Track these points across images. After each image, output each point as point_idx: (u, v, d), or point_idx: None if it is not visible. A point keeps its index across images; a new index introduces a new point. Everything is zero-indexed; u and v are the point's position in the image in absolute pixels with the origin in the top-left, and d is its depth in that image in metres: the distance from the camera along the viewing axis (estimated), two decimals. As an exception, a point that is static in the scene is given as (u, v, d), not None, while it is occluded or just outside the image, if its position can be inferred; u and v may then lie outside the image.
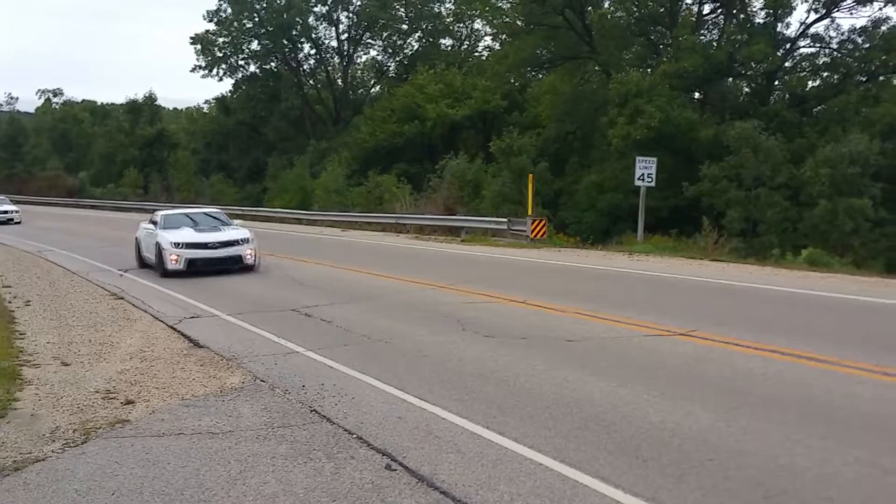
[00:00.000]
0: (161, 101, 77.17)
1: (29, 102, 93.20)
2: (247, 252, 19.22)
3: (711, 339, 10.26)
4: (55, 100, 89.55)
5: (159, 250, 18.61)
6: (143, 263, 20.45)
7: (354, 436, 7.00)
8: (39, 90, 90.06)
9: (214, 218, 21.10)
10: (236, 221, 21.31)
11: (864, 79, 37.35)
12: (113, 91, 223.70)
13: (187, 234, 19.05)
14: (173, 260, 18.35)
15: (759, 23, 38.91)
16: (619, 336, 10.80)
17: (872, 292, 14.22)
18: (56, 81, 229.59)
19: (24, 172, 75.15)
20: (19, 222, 43.74)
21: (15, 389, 8.84)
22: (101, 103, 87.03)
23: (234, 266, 19.00)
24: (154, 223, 20.05)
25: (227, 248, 18.97)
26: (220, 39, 64.28)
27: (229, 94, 67.95)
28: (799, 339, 10.08)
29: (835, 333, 10.70)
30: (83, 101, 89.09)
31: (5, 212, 44.74)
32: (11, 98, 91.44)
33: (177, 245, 18.49)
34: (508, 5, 45.05)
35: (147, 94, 73.75)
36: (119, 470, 6.39)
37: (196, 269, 18.51)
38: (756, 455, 6.19)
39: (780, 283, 15.72)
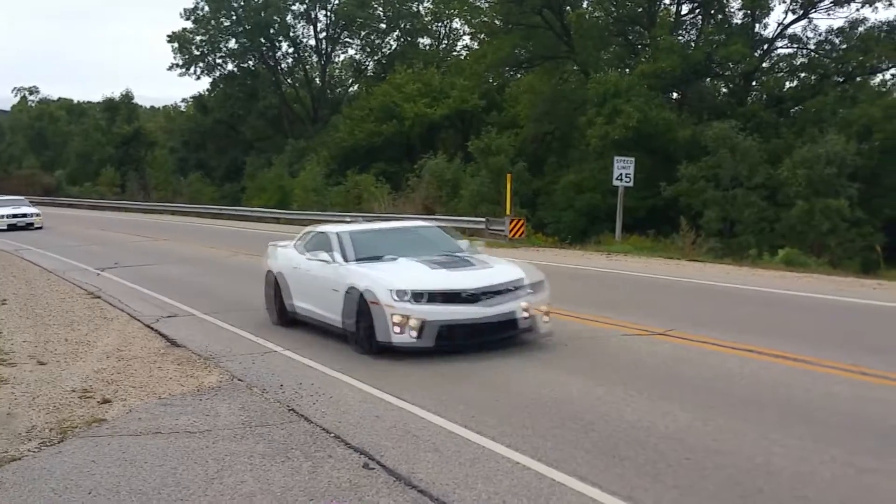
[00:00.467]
0: (138, 100, 76.93)
1: (4, 100, 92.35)
2: (528, 309, 9.97)
3: (689, 339, 10.33)
4: (31, 98, 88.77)
5: (360, 304, 10.05)
6: (286, 315, 12.21)
7: (332, 435, 7.00)
8: (15, 88, 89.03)
9: (434, 239, 12.26)
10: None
11: (842, 79, 37.56)
12: (89, 89, 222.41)
13: (425, 275, 10.18)
14: (401, 324, 9.61)
15: (736, 23, 39.14)
16: (596, 335, 10.85)
17: (849, 292, 14.37)
18: (32, 79, 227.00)
19: (-1, 171, 74.61)
20: (40, 227, 37.22)
21: (-10, 389, 8.79)
22: (78, 101, 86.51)
23: (504, 335, 10.21)
24: (318, 245, 11.69)
25: (500, 302, 9.95)
26: (198, 38, 63.92)
27: (207, 93, 67.61)
28: (776, 338, 10.16)
29: (812, 333, 10.80)
30: (59, 99, 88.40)
31: (24, 215, 38.26)
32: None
33: (410, 296, 9.70)
34: (487, 5, 45.15)
35: (124, 93, 73.42)
36: (96, 469, 6.36)
37: (450, 343, 9.83)
38: (733, 454, 6.23)
39: (757, 283, 15.85)
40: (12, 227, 36.13)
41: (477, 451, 6.46)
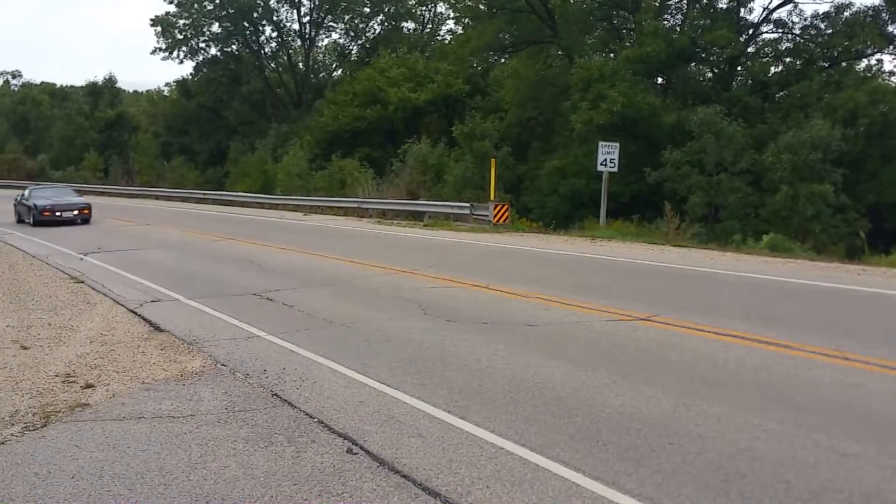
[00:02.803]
0: (121, 84, 76.84)
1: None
2: None
3: (672, 325, 10.39)
4: (14, 81, 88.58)
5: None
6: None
7: (315, 420, 7.01)
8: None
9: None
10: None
11: (827, 65, 37.63)
12: (72, 73, 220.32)
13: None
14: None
15: (721, 8, 39.16)
16: (580, 321, 10.88)
17: (833, 278, 14.47)
18: (14, 63, 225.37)
19: (-19, 156, 74.07)
20: (87, 221, 30.79)
21: (-29, 375, 8.75)
22: (61, 85, 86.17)
23: None
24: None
25: None
26: (181, 21, 63.60)
27: (190, 77, 67.37)
28: (759, 324, 10.24)
29: (795, 318, 10.87)
30: (42, 83, 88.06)
31: (72, 206, 31.06)
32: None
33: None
34: (472, -11, 45.00)
35: (107, 77, 73.21)
36: (79, 453, 6.35)
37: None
38: (716, 439, 6.28)
39: (741, 268, 15.94)
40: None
41: (460, 437, 6.49)
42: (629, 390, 7.63)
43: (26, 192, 33.03)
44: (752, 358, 8.67)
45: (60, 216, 30.18)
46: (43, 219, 29.81)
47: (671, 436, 6.36)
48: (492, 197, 27.99)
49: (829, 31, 37.18)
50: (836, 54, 37.41)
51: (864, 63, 37.68)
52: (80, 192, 37.60)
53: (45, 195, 32.28)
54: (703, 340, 9.53)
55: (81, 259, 19.23)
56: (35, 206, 30.35)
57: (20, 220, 31.87)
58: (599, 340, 9.77)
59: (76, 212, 30.74)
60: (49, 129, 77.00)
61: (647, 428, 6.57)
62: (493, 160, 29.60)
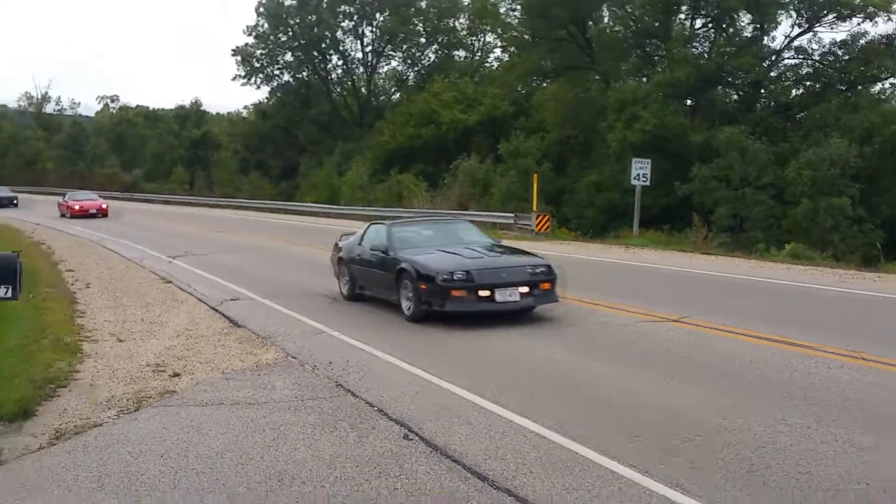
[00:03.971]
0: (206, 107, 77.77)
1: (89, 108, 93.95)
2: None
3: (701, 326, 10.23)
4: (112, 105, 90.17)
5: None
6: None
7: (375, 408, 7.01)
8: (99, 96, 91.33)
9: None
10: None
11: (844, 88, 36.98)
12: (163, 98, 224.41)
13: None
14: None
15: (746, 36, 38.57)
16: (616, 322, 10.77)
17: (851, 284, 14.16)
18: (113, 89, 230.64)
19: (84, 170, 75.69)
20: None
21: (76, 362, 8.93)
22: (153, 108, 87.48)
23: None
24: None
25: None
26: (258, 52, 64.40)
27: (266, 101, 68.08)
28: (782, 326, 10.03)
29: (816, 321, 10.66)
30: (137, 106, 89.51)
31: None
32: (74, 103, 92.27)
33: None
34: (517, 20, 44.82)
35: (193, 101, 74.42)
36: (167, 435, 6.44)
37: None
38: (741, 432, 6.15)
39: (765, 274, 15.66)
40: None
41: (506, 426, 6.44)
42: (662, 386, 7.52)
43: None
44: (775, 357, 8.49)
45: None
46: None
47: (700, 429, 6.24)
48: (534, 208, 27.86)
49: (847, 57, 36.50)
50: (852, 78, 36.70)
51: (878, 86, 37.00)
52: (170, 203, 40.67)
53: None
54: (729, 341, 9.36)
55: (170, 262, 19.48)
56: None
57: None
58: (633, 340, 9.66)
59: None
60: (142, 147, 78.31)
61: (679, 421, 6.46)
62: (535, 175, 29.48)
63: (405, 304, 10.98)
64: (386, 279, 11.44)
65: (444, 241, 11.92)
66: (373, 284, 12.18)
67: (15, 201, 50.74)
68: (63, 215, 39.40)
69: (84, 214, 38.45)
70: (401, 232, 12.26)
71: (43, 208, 44.98)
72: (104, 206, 40.45)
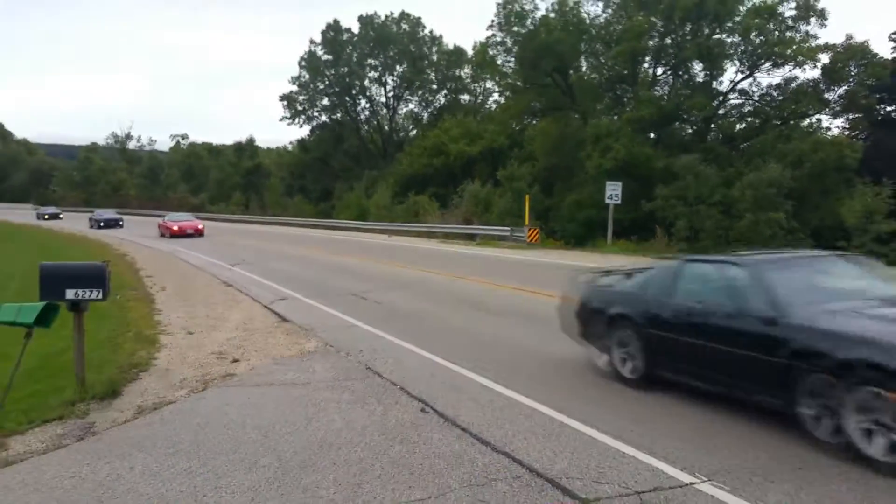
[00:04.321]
0: (258, 142, 77.82)
1: (164, 144, 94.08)
2: None
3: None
4: (183, 141, 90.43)
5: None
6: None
7: (398, 387, 7.03)
8: (172, 134, 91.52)
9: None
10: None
11: (779, 123, 36.85)
12: (224, 135, 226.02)
13: None
14: None
15: (699, 81, 38.55)
16: (593, 314, 10.73)
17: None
18: (183, 128, 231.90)
19: (160, 195, 76.14)
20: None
21: (154, 351, 8.98)
22: (216, 144, 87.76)
23: None
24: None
25: None
26: (301, 97, 64.62)
27: (307, 137, 68.21)
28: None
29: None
30: (203, 142, 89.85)
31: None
32: (151, 140, 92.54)
33: None
34: (511, 70, 44.81)
35: (248, 138, 74.60)
36: (228, 409, 6.47)
37: None
38: (725, 411, 6.13)
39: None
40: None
41: (505, 400, 6.45)
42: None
43: None
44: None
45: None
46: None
47: (667, 405, 6.22)
48: (526, 223, 27.85)
49: (781, 97, 36.46)
50: (785, 115, 36.60)
51: (807, 121, 36.89)
52: (230, 221, 39.95)
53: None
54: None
55: (230, 269, 19.56)
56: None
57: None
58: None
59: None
60: (207, 176, 78.62)
61: (646, 395, 6.45)
62: (527, 196, 29.48)
63: (826, 426, 5.00)
64: (762, 369, 5.43)
65: (844, 292, 5.90)
66: (711, 368, 5.96)
67: (121, 223, 47.46)
68: (163, 235, 35.60)
69: (182, 234, 34.73)
70: (784, 278, 5.89)
71: (126, 227, 45.11)
72: (200, 226, 36.58)
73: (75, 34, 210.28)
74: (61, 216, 60.00)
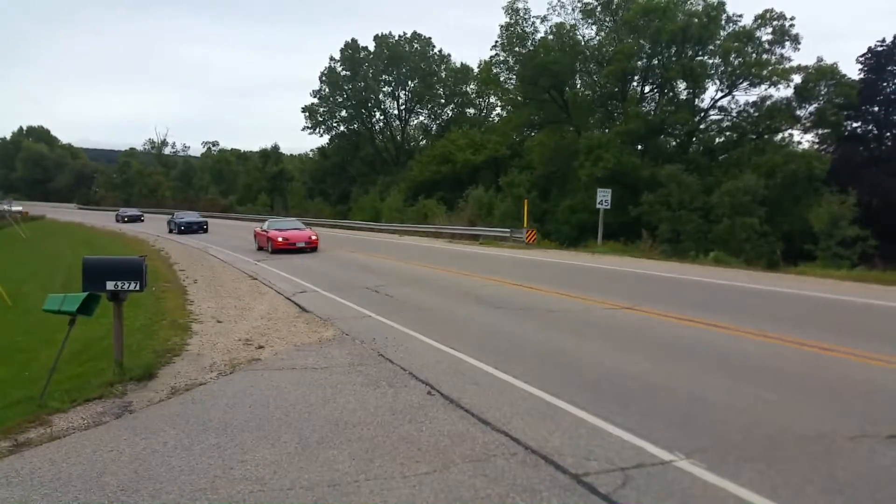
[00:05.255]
0: (282, 150, 77.77)
1: (196, 150, 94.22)
2: None
3: (647, 312, 10.17)
4: (213, 148, 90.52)
5: None
6: None
7: (407, 372, 7.03)
8: (203, 141, 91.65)
9: None
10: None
11: (755, 137, 36.80)
12: (251, 142, 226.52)
13: None
14: None
15: (682, 98, 38.50)
16: (584, 308, 10.73)
17: (759, 281, 14.00)
18: (214, 136, 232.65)
19: (193, 196, 76.31)
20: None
21: (187, 338, 9.01)
22: (243, 150, 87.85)
23: None
24: None
25: None
26: (321, 109, 64.63)
27: (326, 145, 68.29)
28: (707, 312, 9.95)
29: (732, 308, 10.55)
30: (231, 149, 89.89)
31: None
32: (185, 147, 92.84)
33: None
34: (512, 86, 44.76)
35: (273, 145, 74.51)
36: (254, 391, 6.48)
37: None
38: (679, 390, 6.13)
39: (696, 274, 15.52)
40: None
41: (504, 385, 6.44)
42: (619, 355, 7.48)
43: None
44: (704, 336, 8.43)
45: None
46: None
47: (648, 387, 6.21)
48: (525, 225, 27.77)
49: (757, 113, 36.40)
50: (761, 129, 36.54)
51: (780, 135, 36.79)
52: (256, 221, 38.05)
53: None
54: (669, 323, 9.29)
55: (256, 264, 19.61)
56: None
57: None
58: (598, 322, 9.62)
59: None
60: (235, 179, 78.73)
61: (631, 382, 6.43)
62: (525, 201, 29.40)
63: None
64: None
65: None
66: None
67: (205, 226, 38.29)
68: (261, 248, 24.31)
69: (291, 249, 22.73)
70: None
71: (161, 224, 44.93)
72: (314, 237, 23.96)
73: (119, 51, 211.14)
74: (142, 218, 51.62)
